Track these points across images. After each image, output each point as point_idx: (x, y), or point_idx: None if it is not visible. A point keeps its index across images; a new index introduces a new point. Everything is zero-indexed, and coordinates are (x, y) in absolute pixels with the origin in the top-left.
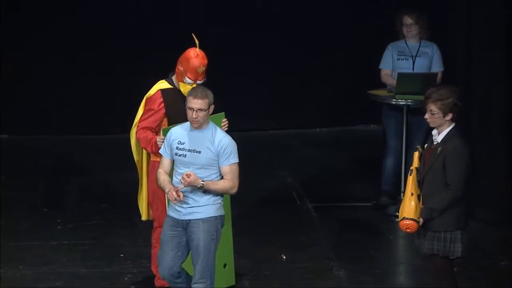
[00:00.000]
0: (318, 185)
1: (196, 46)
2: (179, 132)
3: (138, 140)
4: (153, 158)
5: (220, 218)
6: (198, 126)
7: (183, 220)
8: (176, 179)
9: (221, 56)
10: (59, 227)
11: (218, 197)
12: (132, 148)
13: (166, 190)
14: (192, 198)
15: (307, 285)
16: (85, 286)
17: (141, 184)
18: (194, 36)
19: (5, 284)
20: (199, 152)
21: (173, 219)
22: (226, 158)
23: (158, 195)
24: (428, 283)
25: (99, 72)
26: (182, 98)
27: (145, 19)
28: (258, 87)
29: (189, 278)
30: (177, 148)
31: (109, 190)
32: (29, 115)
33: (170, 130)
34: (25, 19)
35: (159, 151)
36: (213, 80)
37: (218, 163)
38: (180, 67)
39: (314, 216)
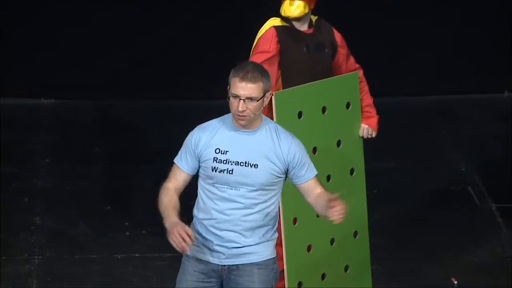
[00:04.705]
0: (505, 177)
1: None
2: (214, 133)
3: None
4: None
5: (275, 261)
6: (246, 124)
7: (223, 266)
8: (216, 210)
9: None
10: (127, 233)
11: (275, 228)
12: None
13: (167, 223)
14: (239, 233)
15: None
16: None
17: None
18: None
19: None
20: (255, 165)
21: (205, 263)
22: (306, 169)
23: None
24: None
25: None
26: (303, 41)
27: None
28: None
29: None
30: (215, 159)
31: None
32: (92, 77)
33: (195, 131)
34: None
35: (174, 160)
36: (374, 41)
37: (292, 180)
38: None
39: (500, 221)
